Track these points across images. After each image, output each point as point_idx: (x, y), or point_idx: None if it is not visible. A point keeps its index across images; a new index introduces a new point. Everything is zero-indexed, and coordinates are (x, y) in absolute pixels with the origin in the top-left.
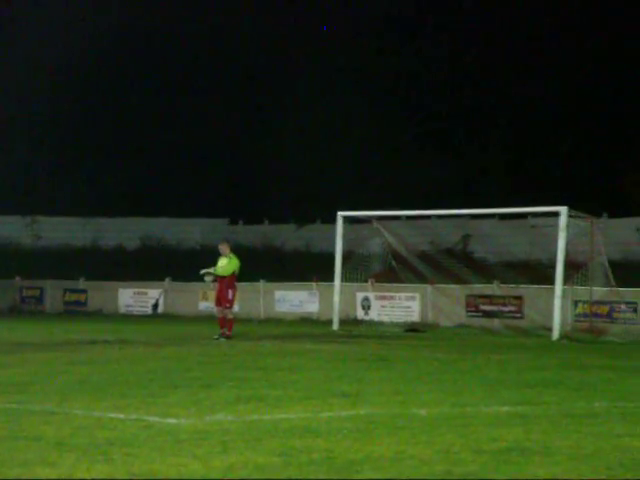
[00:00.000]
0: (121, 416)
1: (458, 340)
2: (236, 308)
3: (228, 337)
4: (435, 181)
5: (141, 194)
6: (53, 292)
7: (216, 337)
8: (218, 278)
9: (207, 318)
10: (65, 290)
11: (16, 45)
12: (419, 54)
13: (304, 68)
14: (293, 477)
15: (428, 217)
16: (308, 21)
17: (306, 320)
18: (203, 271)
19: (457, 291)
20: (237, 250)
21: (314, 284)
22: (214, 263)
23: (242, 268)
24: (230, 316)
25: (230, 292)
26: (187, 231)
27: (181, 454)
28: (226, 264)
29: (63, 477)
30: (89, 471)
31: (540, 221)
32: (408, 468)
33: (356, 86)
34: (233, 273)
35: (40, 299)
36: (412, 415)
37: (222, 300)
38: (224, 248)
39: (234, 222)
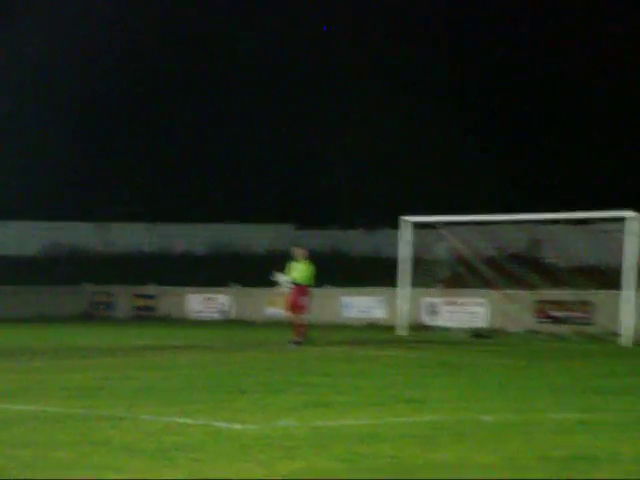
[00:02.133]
0: (189, 421)
1: (525, 346)
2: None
3: (298, 343)
4: (502, 185)
5: (209, 200)
6: (123, 298)
7: (291, 343)
8: (293, 284)
9: (275, 323)
10: (135, 295)
11: (69, 47)
12: (486, 57)
13: (370, 72)
14: None
15: (496, 222)
16: (370, 24)
17: (373, 326)
18: (280, 279)
19: (525, 297)
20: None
21: (381, 290)
22: (283, 268)
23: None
24: (302, 322)
25: (304, 298)
26: (254, 237)
27: (246, 459)
28: (304, 271)
29: None
30: (155, 476)
31: (611, 226)
32: (473, 475)
33: (424, 89)
34: (309, 280)
35: (110, 305)
36: (477, 421)
37: (296, 306)
38: (302, 252)
39: (301, 227)
